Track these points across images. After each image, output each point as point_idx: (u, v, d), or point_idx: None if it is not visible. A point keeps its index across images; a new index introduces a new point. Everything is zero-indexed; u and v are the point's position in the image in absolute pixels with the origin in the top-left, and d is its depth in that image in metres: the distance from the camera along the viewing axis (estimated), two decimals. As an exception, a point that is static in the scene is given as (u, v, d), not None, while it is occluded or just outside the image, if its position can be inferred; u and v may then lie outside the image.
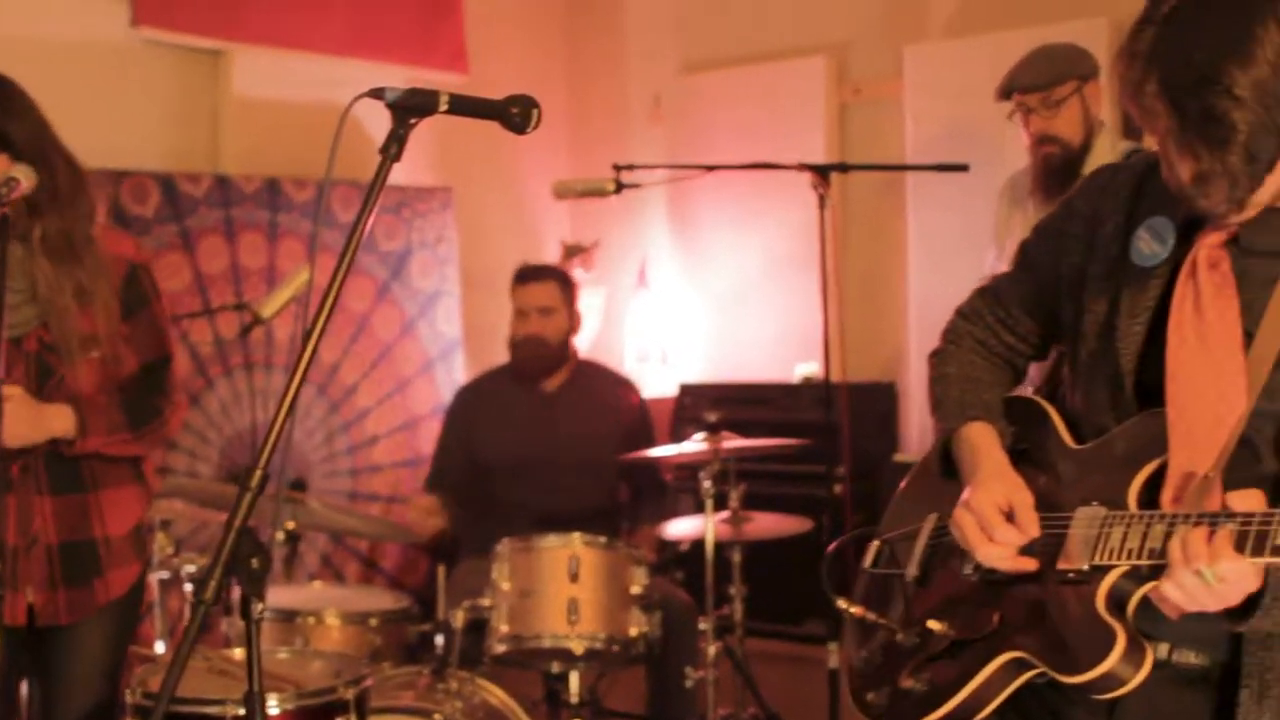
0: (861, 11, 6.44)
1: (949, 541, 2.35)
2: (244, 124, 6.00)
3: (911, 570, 2.43)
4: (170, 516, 4.39)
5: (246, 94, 5.98)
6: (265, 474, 2.08)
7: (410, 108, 2.21)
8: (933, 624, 2.34)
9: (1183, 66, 1.92)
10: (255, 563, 2.09)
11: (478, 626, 4.23)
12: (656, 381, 6.80)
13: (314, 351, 2.13)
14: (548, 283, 5.15)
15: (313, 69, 6.09)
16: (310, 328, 2.12)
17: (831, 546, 2.77)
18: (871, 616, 2.48)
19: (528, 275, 5.22)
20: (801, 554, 4.89)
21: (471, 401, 5.34)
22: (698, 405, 6.19)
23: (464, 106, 2.29)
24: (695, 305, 6.93)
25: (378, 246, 6.23)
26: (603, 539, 4.31)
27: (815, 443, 4.87)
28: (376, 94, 2.20)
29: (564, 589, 4.20)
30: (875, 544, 2.57)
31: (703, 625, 4.55)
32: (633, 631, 4.25)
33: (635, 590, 4.28)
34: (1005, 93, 4.51)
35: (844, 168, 5.19)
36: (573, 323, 5.19)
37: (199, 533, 5.30)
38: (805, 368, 6.18)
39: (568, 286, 5.20)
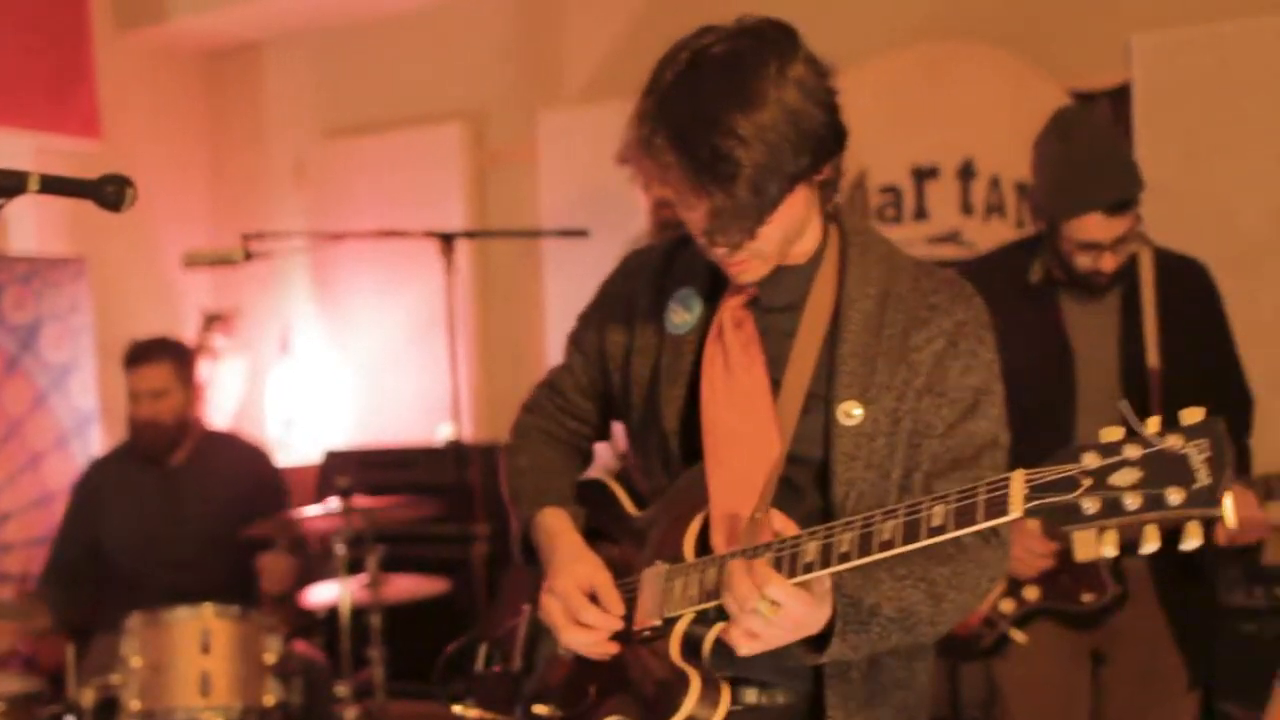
0: (498, 77, 6.58)
1: (545, 628, 2.40)
2: None
3: (516, 662, 2.52)
4: None
5: None
6: None
7: None
8: (538, 709, 2.42)
9: (690, 116, 2.06)
10: None
11: (109, 705, 4.15)
12: (302, 448, 6.77)
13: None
14: (158, 364, 5.00)
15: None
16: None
17: (449, 648, 2.82)
18: (489, 716, 2.55)
19: (136, 357, 5.06)
20: (445, 614, 4.95)
21: (97, 479, 5.22)
22: (342, 470, 6.19)
23: (56, 186, 2.23)
24: (340, 370, 6.93)
25: (6, 318, 6.05)
26: (235, 609, 4.28)
27: (451, 504, 4.93)
28: (-36, 174, 2.15)
29: (196, 662, 4.17)
30: (484, 646, 2.64)
31: (342, 690, 4.56)
32: (268, 701, 4.23)
33: (269, 659, 4.26)
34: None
35: (469, 234, 5.30)
36: (190, 397, 5.09)
37: None
38: (447, 429, 6.25)
39: (182, 361, 5.07)
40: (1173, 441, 1.63)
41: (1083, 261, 3.47)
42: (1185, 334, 3.55)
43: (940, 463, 2.20)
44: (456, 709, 2.57)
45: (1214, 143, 5.10)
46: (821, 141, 2.11)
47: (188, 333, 6.78)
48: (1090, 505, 1.67)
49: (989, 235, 5.22)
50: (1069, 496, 1.69)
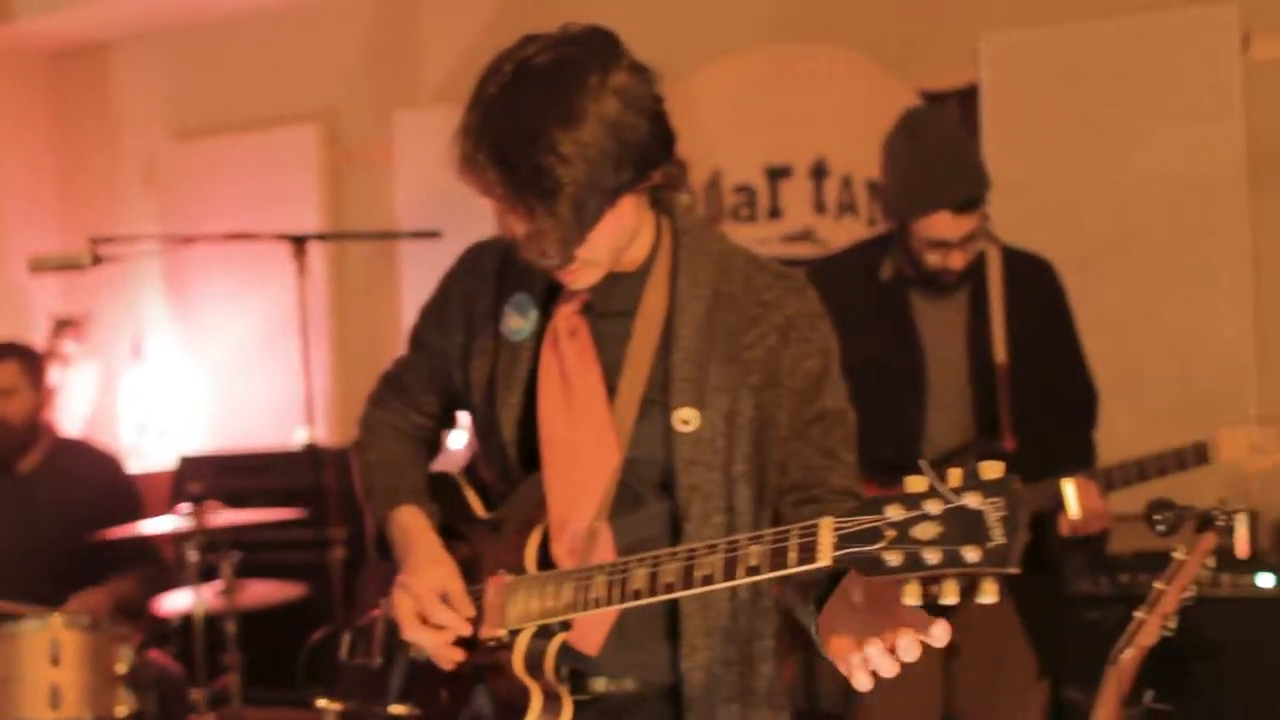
0: (353, 77, 6.53)
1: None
2: None
3: (375, 658, 2.51)
4: None
5: None
6: None
7: None
8: (395, 708, 2.42)
9: (511, 132, 2.04)
10: None
11: (-45, 721, 4.06)
12: (155, 454, 6.67)
13: None
14: (4, 362, 4.91)
15: None
16: None
17: (315, 636, 2.80)
18: (349, 708, 2.54)
19: None
20: (303, 619, 4.90)
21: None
22: (197, 476, 6.10)
23: None
24: (194, 375, 6.84)
25: None
26: (85, 620, 4.21)
27: (308, 508, 4.89)
28: None
29: (45, 674, 4.08)
30: (347, 635, 2.62)
31: (197, 698, 4.50)
32: (120, 711, 4.16)
33: (121, 669, 4.19)
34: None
35: (320, 237, 5.26)
36: (40, 400, 4.99)
37: None
38: (303, 433, 6.19)
39: (31, 363, 4.98)
40: (970, 499, 1.63)
41: (932, 259, 3.53)
42: (1031, 330, 3.63)
43: (793, 444, 2.23)
44: (320, 703, 2.55)
45: (1059, 142, 5.22)
46: (645, 152, 2.10)
47: (37, 338, 6.64)
48: (893, 558, 1.68)
49: (842, 233, 5.29)
50: (873, 548, 1.69)
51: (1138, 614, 2.30)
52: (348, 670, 2.60)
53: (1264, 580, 4.54)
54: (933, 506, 1.65)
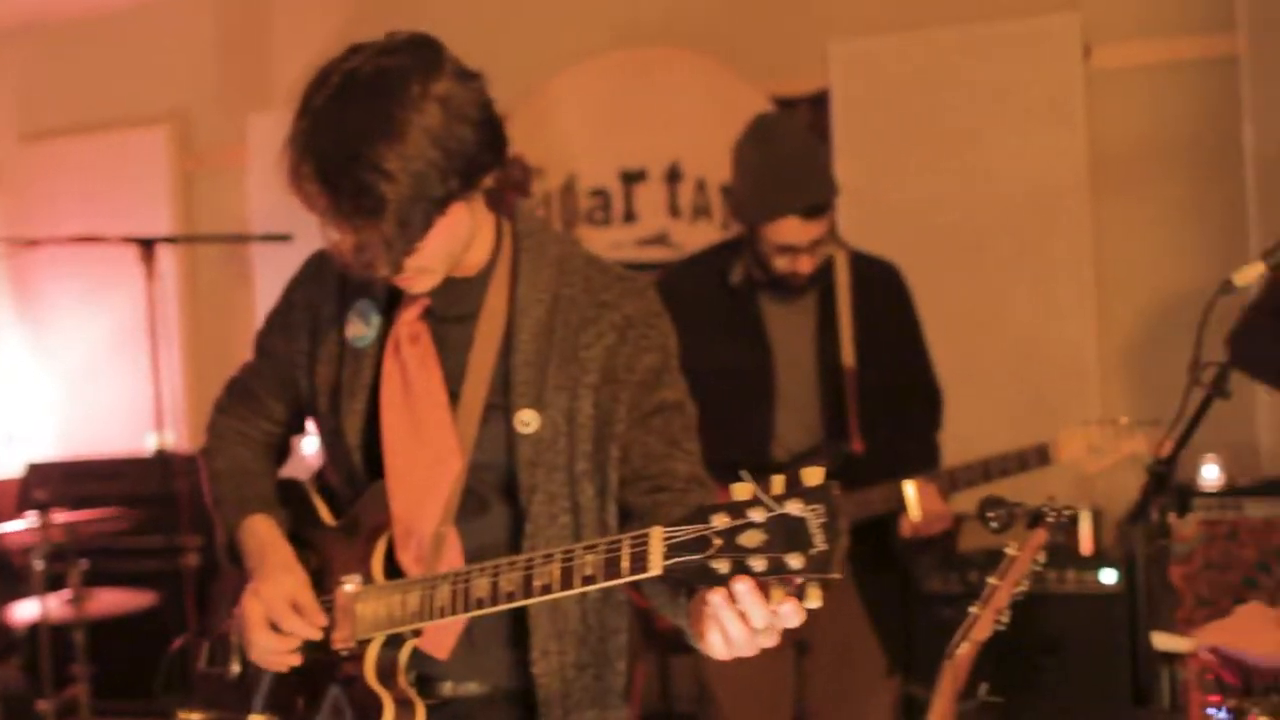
0: (206, 79, 6.45)
1: None
2: None
3: (233, 667, 2.49)
4: None
5: None
6: None
7: None
8: (254, 717, 2.41)
9: (333, 148, 2.03)
10: None
11: None
12: (3, 461, 6.54)
13: None
14: None
15: None
16: None
17: (175, 645, 2.77)
18: (213, 717, 2.52)
19: None
20: (155, 627, 4.84)
21: None
22: (44, 483, 6.00)
23: None
24: (42, 380, 6.71)
25: None
26: (-75, 631, 4.12)
27: (159, 515, 4.83)
28: None
29: (-116, 687, 4.00)
30: (206, 645, 2.60)
31: (44, 709, 4.42)
32: (-37, 724, 4.08)
33: (-38, 684, 4.11)
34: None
35: (169, 240, 5.19)
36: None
37: None
38: (155, 439, 6.11)
39: None
40: (792, 506, 1.67)
41: (780, 263, 3.58)
42: (879, 333, 3.69)
43: (634, 434, 2.25)
44: (181, 715, 2.52)
45: (908, 147, 5.31)
46: (473, 159, 2.10)
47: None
48: (721, 566, 1.70)
49: (696, 237, 5.33)
50: (701, 556, 1.72)
51: (972, 609, 2.36)
52: (207, 680, 2.58)
53: (1107, 576, 4.67)
54: (757, 514, 1.68)
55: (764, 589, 1.70)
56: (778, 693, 3.76)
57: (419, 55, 2.10)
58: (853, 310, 3.69)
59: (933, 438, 3.82)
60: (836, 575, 1.65)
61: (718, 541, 1.71)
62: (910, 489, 3.53)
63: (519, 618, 2.25)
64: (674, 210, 5.55)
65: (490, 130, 2.14)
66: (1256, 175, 4.90)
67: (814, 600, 1.67)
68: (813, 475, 1.68)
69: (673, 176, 5.55)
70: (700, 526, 1.73)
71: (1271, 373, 3.58)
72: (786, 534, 1.66)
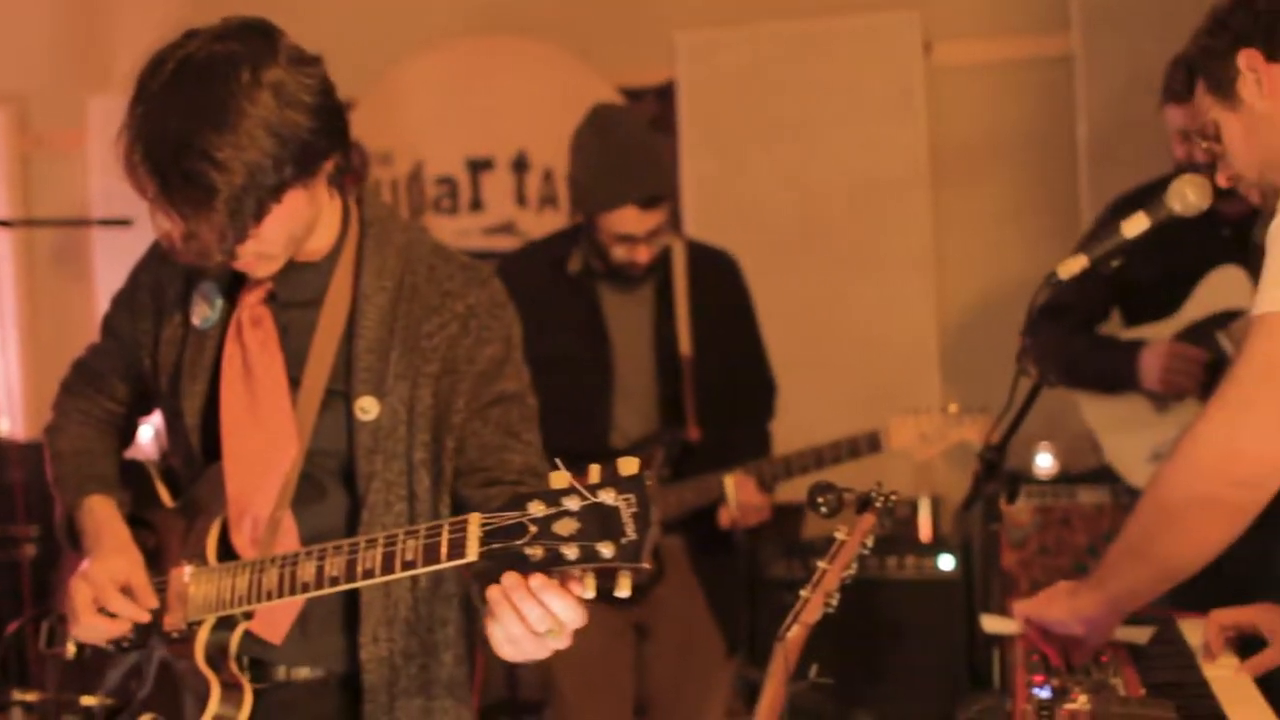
0: (44, 60, 6.31)
1: None
2: None
3: (69, 648, 2.47)
4: None
5: None
6: None
7: None
8: (87, 699, 2.39)
9: (164, 137, 2.03)
10: None
11: None
12: None
13: None
14: None
15: None
16: None
17: (12, 627, 2.72)
18: (44, 699, 2.48)
19: None
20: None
21: None
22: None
23: None
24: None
25: None
26: None
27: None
28: None
29: None
30: (46, 625, 2.57)
31: None
32: None
33: None
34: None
35: (6, 223, 5.10)
36: None
37: None
38: (-5, 426, 5.99)
39: None
40: (606, 495, 1.69)
41: (618, 253, 3.61)
42: (714, 323, 3.74)
43: (472, 425, 2.27)
44: (15, 693, 2.50)
45: (753, 139, 5.38)
46: (309, 146, 2.10)
47: None
48: (535, 553, 1.73)
49: (543, 226, 5.34)
50: (517, 544, 1.74)
51: (803, 593, 2.41)
52: (44, 661, 2.56)
53: (945, 562, 4.77)
54: (572, 503, 1.71)
55: (573, 578, 1.73)
56: (619, 678, 3.80)
57: (251, 41, 2.10)
58: (689, 299, 3.74)
59: (765, 426, 3.89)
60: (646, 565, 1.68)
61: (533, 529, 1.73)
62: (729, 481, 3.60)
63: (353, 604, 2.27)
64: (521, 199, 5.56)
65: (328, 116, 2.14)
66: (1089, 170, 5.04)
67: (623, 589, 1.71)
68: (628, 465, 1.71)
69: (520, 165, 5.56)
70: (517, 514, 1.75)
71: (1053, 370, 3.70)
72: (600, 523, 1.69)
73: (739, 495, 3.59)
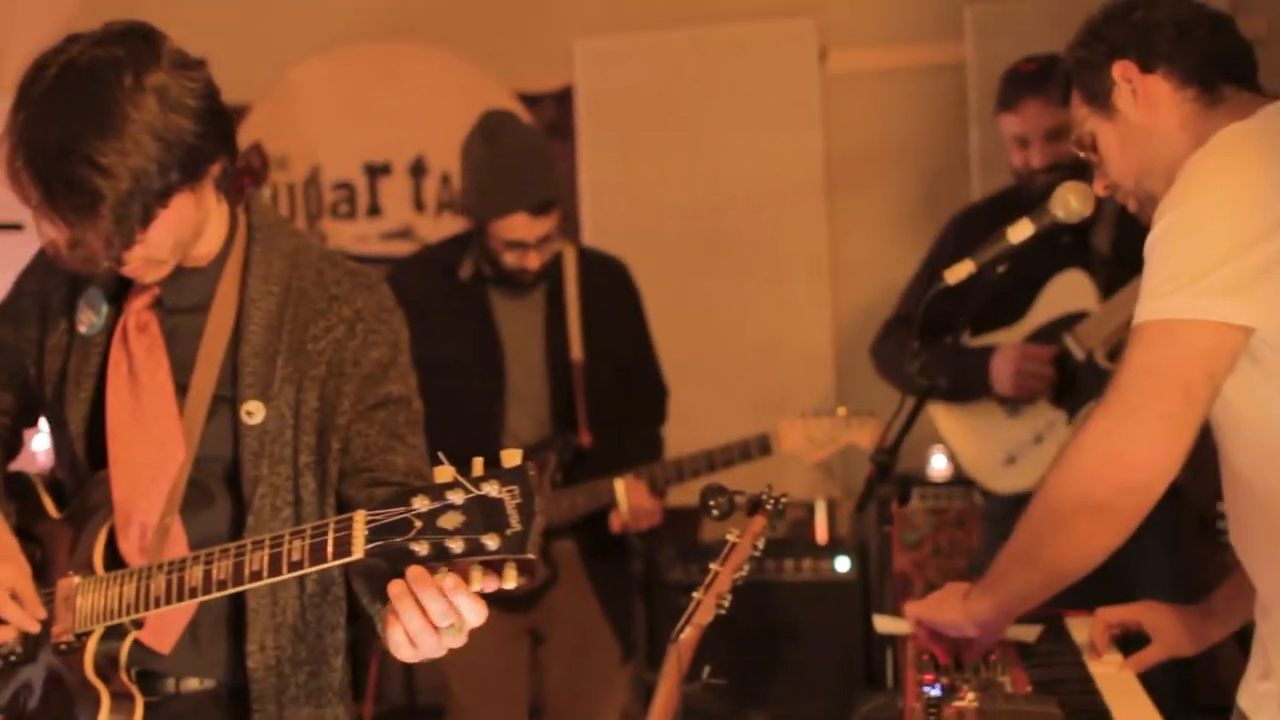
0: (-70, 64, 6.22)
1: None
2: None
3: None
4: None
5: None
6: None
7: None
8: None
9: (47, 143, 2.02)
10: None
11: None
12: None
13: None
14: None
15: None
16: None
17: None
18: None
19: None
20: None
21: None
22: None
23: None
24: None
25: None
26: None
27: None
28: None
29: None
30: None
31: None
32: None
33: None
34: None
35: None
36: None
37: None
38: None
39: None
40: (490, 488, 1.70)
41: (509, 259, 3.62)
42: (605, 329, 3.77)
43: (356, 426, 2.26)
44: None
45: (650, 145, 5.40)
46: (194, 151, 2.09)
47: None
48: (421, 548, 1.72)
49: (441, 231, 5.30)
50: (402, 539, 1.74)
51: (695, 595, 2.43)
52: None
53: (841, 564, 4.82)
54: (456, 497, 1.71)
55: (463, 573, 1.74)
56: (515, 683, 3.81)
57: (134, 46, 2.08)
58: (581, 305, 3.75)
59: (656, 431, 3.92)
60: (531, 555, 1.68)
61: (418, 524, 1.73)
62: (619, 486, 3.62)
63: (241, 612, 2.24)
64: (419, 204, 5.55)
65: (213, 120, 2.12)
66: (980, 177, 5.11)
67: (510, 581, 1.71)
68: (510, 457, 1.72)
69: (418, 170, 5.54)
70: (401, 510, 1.75)
71: (898, 378, 3.76)
72: (484, 515, 1.69)
73: (630, 499, 3.60)
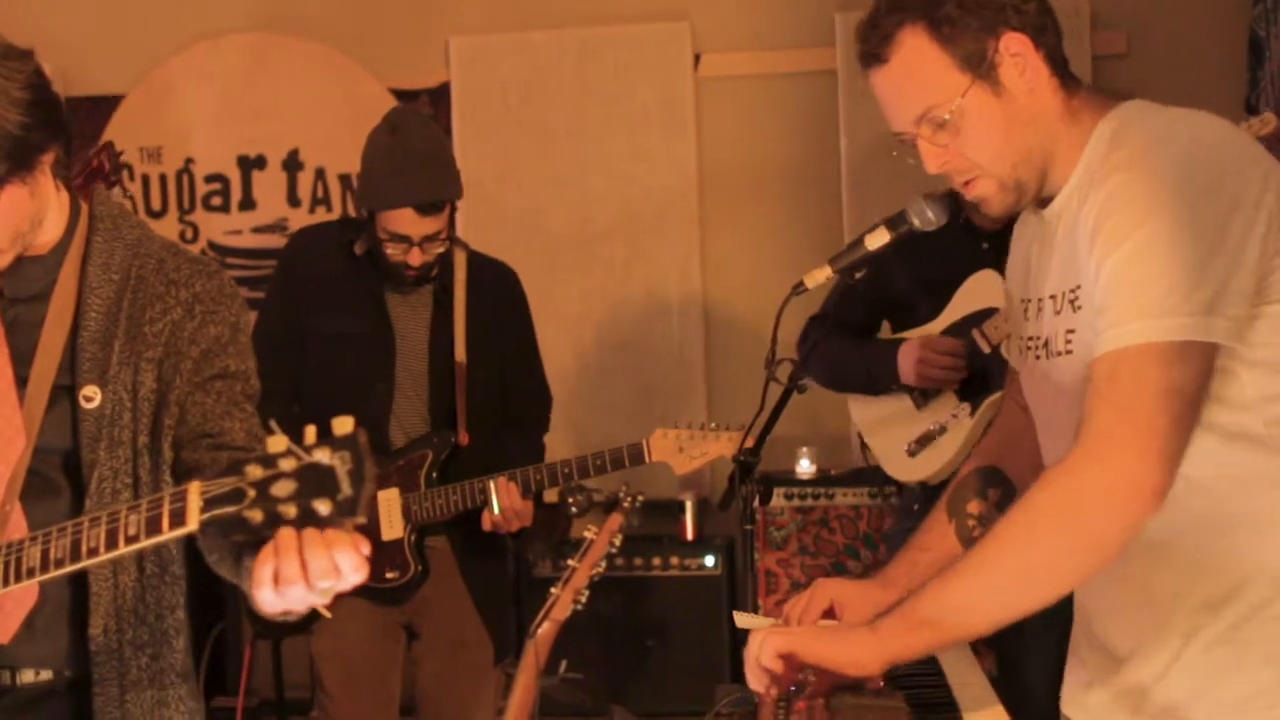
0: None
1: None
2: None
3: None
4: None
5: None
6: None
7: None
8: None
9: None
10: None
11: None
12: None
13: None
14: None
15: None
16: None
17: None
18: None
19: None
20: None
21: None
22: None
23: None
24: None
25: None
26: None
27: None
28: None
29: None
30: None
31: None
32: None
33: None
34: None
35: None
36: None
37: None
38: None
39: None
40: (321, 455, 1.71)
41: (392, 253, 3.63)
42: (490, 333, 3.79)
43: (193, 396, 2.26)
44: None
45: (526, 145, 5.43)
46: (22, 141, 2.08)
47: None
48: (255, 516, 1.74)
49: (315, 226, 5.33)
50: (236, 508, 1.75)
51: (553, 590, 2.47)
52: None
53: (708, 561, 4.91)
54: (288, 464, 1.73)
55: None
56: (386, 677, 3.81)
57: None
58: (467, 308, 3.77)
59: (538, 438, 3.94)
60: (361, 519, 1.71)
61: (252, 493, 1.74)
62: (492, 486, 3.65)
63: (82, 596, 2.23)
64: (293, 199, 5.54)
65: (41, 109, 2.10)
66: (850, 183, 5.20)
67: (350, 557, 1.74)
68: (342, 424, 1.72)
69: (292, 165, 5.53)
70: (235, 479, 1.76)
71: (821, 373, 3.83)
72: (316, 482, 1.71)
73: (502, 500, 3.62)
